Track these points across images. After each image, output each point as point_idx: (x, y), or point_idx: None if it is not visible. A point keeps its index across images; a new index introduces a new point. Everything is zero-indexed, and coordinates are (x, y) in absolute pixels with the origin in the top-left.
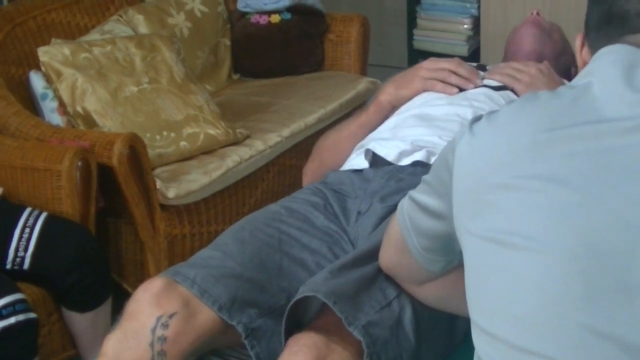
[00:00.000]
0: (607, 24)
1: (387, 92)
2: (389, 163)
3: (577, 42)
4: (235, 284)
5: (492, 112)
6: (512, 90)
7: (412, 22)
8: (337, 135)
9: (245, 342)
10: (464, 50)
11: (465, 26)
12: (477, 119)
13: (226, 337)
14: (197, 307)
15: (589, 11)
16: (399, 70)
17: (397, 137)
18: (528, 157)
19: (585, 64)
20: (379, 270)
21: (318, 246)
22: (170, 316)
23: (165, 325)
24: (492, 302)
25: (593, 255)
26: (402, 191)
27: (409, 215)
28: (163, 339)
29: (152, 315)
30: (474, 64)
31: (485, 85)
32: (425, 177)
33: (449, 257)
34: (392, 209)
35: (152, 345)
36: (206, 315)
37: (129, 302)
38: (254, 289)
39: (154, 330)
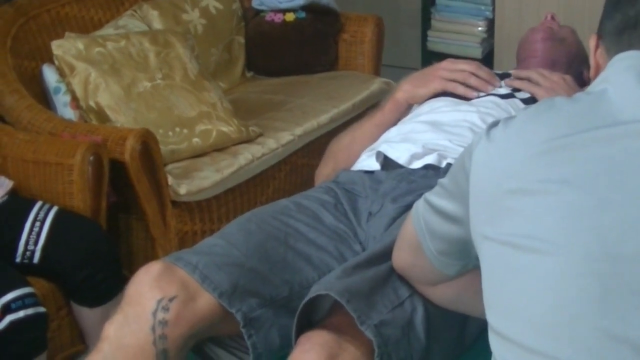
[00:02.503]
0: (632, 30)
1: (405, 90)
2: (400, 166)
3: (591, 43)
4: (237, 272)
5: (509, 118)
6: (521, 100)
7: (426, 24)
8: (351, 136)
9: (243, 330)
10: (477, 52)
11: (480, 28)
12: (494, 124)
13: (225, 325)
14: (197, 291)
15: (607, 14)
16: (413, 72)
17: (408, 140)
18: (544, 162)
19: (598, 65)
20: (392, 270)
21: (325, 243)
22: (171, 299)
23: (166, 309)
24: (509, 306)
25: (608, 258)
26: (414, 192)
27: (424, 218)
28: (164, 323)
29: (152, 298)
30: (499, 72)
31: (492, 94)
32: (442, 180)
33: (465, 261)
34: (405, 209)
35: (153, 328)
36: (206, 301)
37: (129, 285)
38: (256, 279)
39: (154, 314)
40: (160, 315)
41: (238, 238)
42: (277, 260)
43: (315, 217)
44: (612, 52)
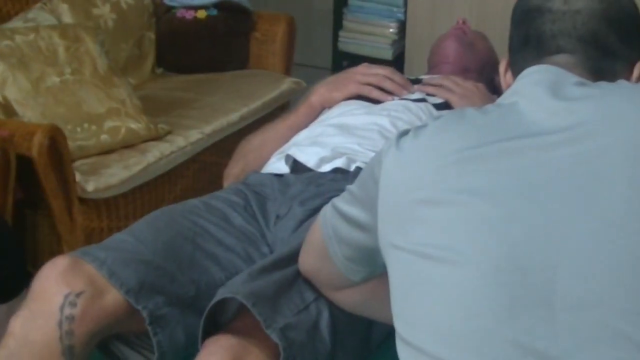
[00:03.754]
0: (525, 46)
1: (320, 94)
2: (309, 169)
3: (501, 68)
4: (145, 269)
5: (419, 127)
6: (433, 104)
7: (338, 24)
8: (262, 137)
9: (149, 328)
10: (388, 54)
11: (391, 30)
12: (404, 133)
13: (132, 322)
14: (104, 287)
15: (510, 34)
16: (323, 71)
17: (317, 144)
18: (454, 172)
19: (509, 86)
20: (298, 274)
21: (233, 244)
22: (78, 295)
23: (73, 304)
24: (417, 315)
25: (516, 269)
26: (322, 195)
27: (332, 223)
28: (71, 318)
29: (59, 293)
30: (412, 78)
31: (404, 98)
32: (351, 187)
33: (371, 268)
34: (312, 212)
35: (60, 324)
36: (113, 297)
37: (35, 280)
38: (163, 277)
39: (62, 309)
40: (67, 311)
41: (147, 235)
42: (184, 259)
43: (224, 218)
44: (517, 67)
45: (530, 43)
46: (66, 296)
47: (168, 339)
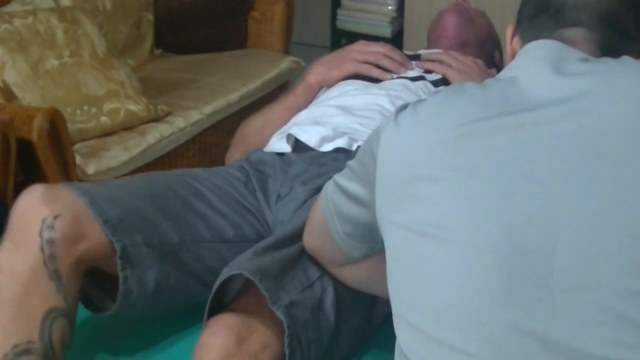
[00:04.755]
0: (542, 13)
1: (317, 73)
2: (310, 149)
3: (508, 32)
4: (128, 209)
5: (417, 102)
6: (431, 82)
7: (336, 2)
8: (263, 119)
9: (118, 261)
10: (387, 32)
11: (390, 7)
12: (402, 108)
13: (110, 261)
14: (83, 213)
15: (524, 1)
16: (322, 49)
17: (318, 124)
18: (452, 149)
19: (515, 53)
20: (302, 252)
21: (224, 210)
22: (55, 217)
23: (51, 227)
24: (414, 294)
25: (514, 250)
26: (323, 175)
27: (333, 199)
28: (51, 242)
29: (37, 217)
30: (410, 54)
31: (402, 76)
32: (351, 162)
33: (371, 244)
34: (314, 192)
35: (42, 249)
36: (91, 226)
37: (13, 210)
38: (145, 222)
39: (41, 233)
40: (47, 234)
41: (139, 185)
42: (171, 212)
43: (221, 188)
44: (526, 37)
45: (548, 11)
46: (43, 220)
47: (136, 278)
